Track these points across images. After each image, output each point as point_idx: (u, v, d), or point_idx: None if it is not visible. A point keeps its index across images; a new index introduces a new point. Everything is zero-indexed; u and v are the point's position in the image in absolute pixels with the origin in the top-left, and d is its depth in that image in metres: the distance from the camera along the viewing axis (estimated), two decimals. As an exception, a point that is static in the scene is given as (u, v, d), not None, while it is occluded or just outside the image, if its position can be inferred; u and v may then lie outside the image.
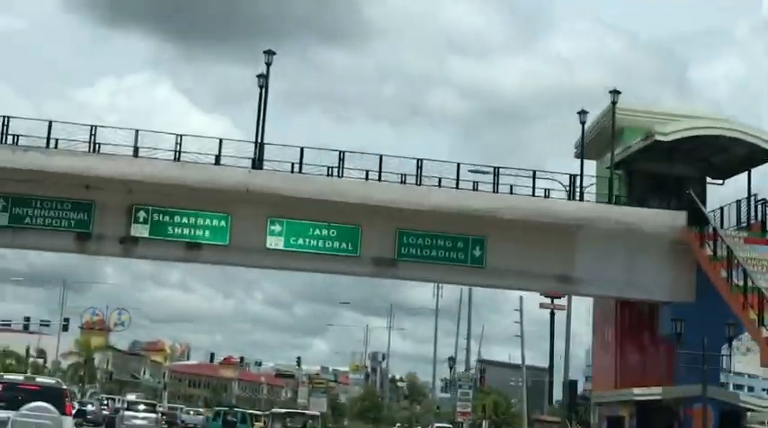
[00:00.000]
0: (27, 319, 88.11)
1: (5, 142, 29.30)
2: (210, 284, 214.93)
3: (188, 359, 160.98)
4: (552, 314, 62.53)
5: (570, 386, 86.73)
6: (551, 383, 64.20)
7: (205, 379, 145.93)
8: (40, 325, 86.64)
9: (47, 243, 30.29)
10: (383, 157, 30.82)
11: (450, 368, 65.91)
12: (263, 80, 31.60)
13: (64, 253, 32.69)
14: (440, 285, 66.26)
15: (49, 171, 28.84)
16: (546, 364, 66.18)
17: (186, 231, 30.21)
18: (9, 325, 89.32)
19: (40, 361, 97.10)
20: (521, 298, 71.63)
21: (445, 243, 31.07)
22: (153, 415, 49.10)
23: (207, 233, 30.29)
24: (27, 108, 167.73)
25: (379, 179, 30.56)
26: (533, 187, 31.09)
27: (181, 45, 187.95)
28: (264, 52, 31.25)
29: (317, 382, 64.91)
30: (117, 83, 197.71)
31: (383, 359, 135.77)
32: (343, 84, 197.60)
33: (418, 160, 30.94)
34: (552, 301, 63.36)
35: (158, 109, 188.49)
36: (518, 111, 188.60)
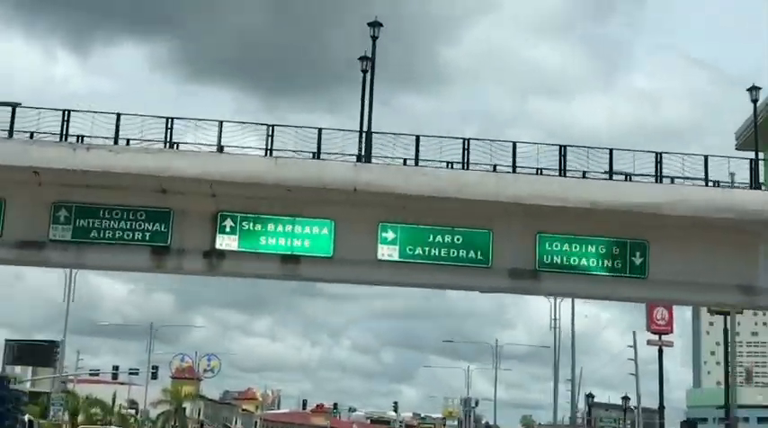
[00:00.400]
0: (115, 368, 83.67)
1: (65, 140, 24.04)
2: (297, 332, 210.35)
3: (278, 407, 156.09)
4: (660, 351, 57.08)
5: (690, 425, 78.38)
6: (662, 425, 57.89)
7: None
8: (129, 373, 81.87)
9: (118, 260, 24.72)
10: (516, 145, 24.79)
11: (590, 407, 58.94)
12: (367, 62, 26.01)
13: (138, 271, 27.07)
14: (556, 314, 58.96)
15: (117, 172, 23.42)
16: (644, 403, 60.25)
17: (282, 242, 24.43)
18: (97, 374, 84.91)
19: (131, 411, 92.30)
20: (634, 333, 65.73)
21: (598, 249, 24.73)
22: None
23: (306, 243, 24.47)
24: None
25: (513, 171, 24.51)
26: (706, 176, 24.68)
27: (262, 97, 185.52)
28: (369, 24, 25.62)
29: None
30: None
31: (476, 404, 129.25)
32: (423, 129, 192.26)
33: (561, 147, 24.81)
34: (660, 337, 57.83)
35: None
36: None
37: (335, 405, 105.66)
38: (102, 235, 24.12)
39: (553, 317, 57.35)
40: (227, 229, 24.39)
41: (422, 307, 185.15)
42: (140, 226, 24.23)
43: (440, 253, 24.55)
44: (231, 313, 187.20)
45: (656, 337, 57.49)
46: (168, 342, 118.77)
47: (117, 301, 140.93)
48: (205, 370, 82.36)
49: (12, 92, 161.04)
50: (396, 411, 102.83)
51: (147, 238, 24.26)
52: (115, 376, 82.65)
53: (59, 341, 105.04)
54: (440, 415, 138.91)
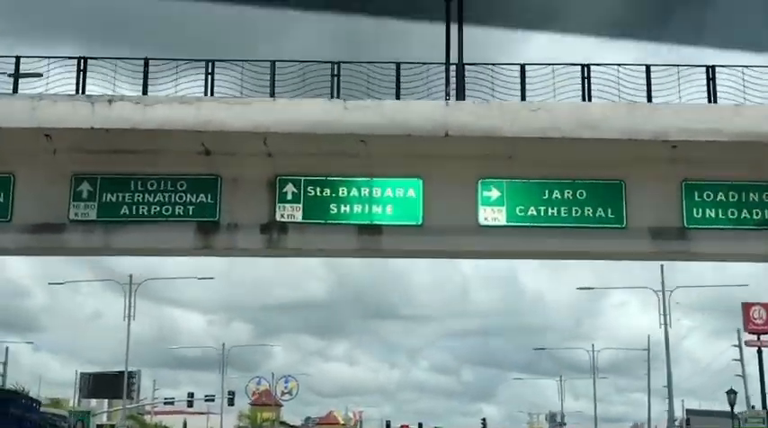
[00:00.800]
0: (191, 395, 78.92)
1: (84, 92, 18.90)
2: (374, 355, 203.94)
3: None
4: (759, 351, 51.33)
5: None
6: (769, 430, 51.42)
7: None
8: (205, 400, 77.11)
9: (156, 241, 19.30)
10: (650, 69, 18.95)
11: (733, 412, 52.41)
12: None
13: (181, 255, 21.62)
14: (664, 308, 52.45)
15: (148, 129, 18.17)
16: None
17: (358, 209, 18.89)
18: (172, 402, 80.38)
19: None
20: (738, 331, 58.88)
21: (762, 196, 18.80)
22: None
23: (389, 209, 18.89)
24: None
25: (649, 99, 18.70)
26: None
27: None
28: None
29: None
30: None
31: (562, 419, 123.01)
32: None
33: (708, 68, 18.92)
34: (758, 338, 52.33)
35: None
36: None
37: (420, 425, 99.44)
38: (134, 211, 18.87)
39: (662, 312, 50.55)
40: (289, 197, 18.98)
41: (498, 325, 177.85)
42: (182, 198, 18.95)
43: (558, 212, 18.81)
44: (309, 339, 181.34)
45: (754, 337, 52.19)
46: (246, 369, 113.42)
47: (196, 333, 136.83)
48: (283, 393, 77.01)
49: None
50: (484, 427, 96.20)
51: (191, 213, 18.94)
52: (191, 403, 77.91)
53: (135, 371, 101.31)
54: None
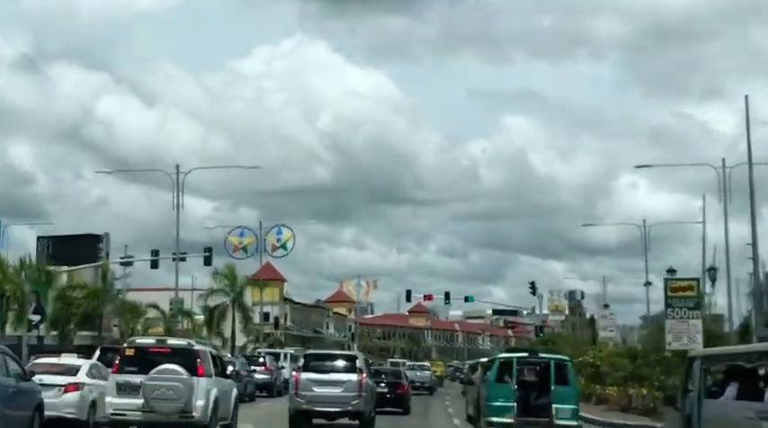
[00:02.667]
0: (155, 253, 55.37)
1: None
2: (383, 239, 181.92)
3: (372, 312, 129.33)
4: None
5: None
6: None
7: (399, 330, 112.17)
8: (173, 259, 53.07)
9: None
10: None
11: None
12: None
13: None
14: None
15: None
16: None
17: None
18: (131, 263, 56.72)
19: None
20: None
21: None
22: (354, 377, 15.87)
23: None
24: (189, 82, 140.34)
25: None
26: None
27: (330, 1, 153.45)
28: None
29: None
30: (272, 49, 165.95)
31: (582, 297, 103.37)
32: (496, 23, 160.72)
33: None
34: None
35: (314, 70, 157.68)
36: (689, 29, 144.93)
37: (447, 294, 75.99)
38: None
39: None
40: None
41: (507, 208, 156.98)
42: None
43: None
44: (315, 225, 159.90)
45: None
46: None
47: (202, 218, 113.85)
48: (275, 247, 52.91)
49: (81, 15, 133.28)
50: (534, 292, 73.34)
51: None
52: (155, 264, 54.42)
53: (102, 235, 77.19)
54: (545, 312, 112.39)
